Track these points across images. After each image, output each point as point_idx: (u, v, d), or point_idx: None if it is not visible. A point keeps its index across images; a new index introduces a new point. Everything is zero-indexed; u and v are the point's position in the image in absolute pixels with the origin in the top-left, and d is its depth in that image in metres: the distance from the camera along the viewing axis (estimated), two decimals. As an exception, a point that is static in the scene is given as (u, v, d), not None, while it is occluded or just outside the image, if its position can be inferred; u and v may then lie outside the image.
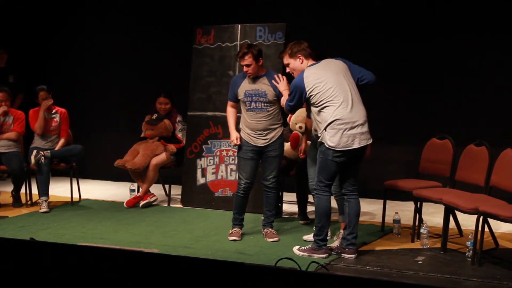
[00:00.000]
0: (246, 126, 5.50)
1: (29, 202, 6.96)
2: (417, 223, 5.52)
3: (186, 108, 7.12)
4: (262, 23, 6.76)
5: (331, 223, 5.12)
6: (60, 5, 8.95)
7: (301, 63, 4.99)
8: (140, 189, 7.02)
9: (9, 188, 7.20)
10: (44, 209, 6.59)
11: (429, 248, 5.23)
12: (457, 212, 5.29)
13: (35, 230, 5.85)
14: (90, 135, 8.56)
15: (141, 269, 2.37)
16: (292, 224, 6.14)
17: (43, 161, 6.61)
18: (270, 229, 5.57)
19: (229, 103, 5.64)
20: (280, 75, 5.39)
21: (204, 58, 7.00)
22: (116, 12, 8.75)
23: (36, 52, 8.99)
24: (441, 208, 5.26)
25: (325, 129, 4.75)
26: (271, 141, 5.47)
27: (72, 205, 7.01)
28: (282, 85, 5.30)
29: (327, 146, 4.75)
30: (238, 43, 6.77)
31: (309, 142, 5.58)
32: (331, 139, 4.72)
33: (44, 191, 6.66)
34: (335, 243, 5.18)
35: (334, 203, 5.24)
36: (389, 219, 5.82)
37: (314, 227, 5.02)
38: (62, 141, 7.01)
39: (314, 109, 4.83)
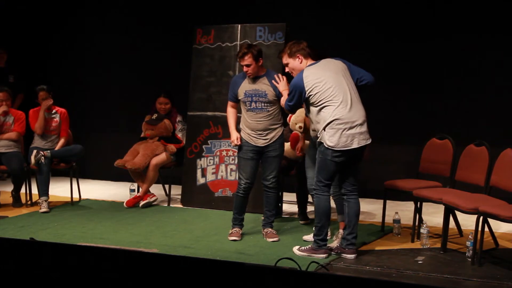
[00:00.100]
0: (246, 126, 5.50)
1: (29, 202, 6.96)
2: (417, 223, 5.52)
3: (186, 108, 7.12)
4: (262, 23, 6.76)
5: (330, 223, 5.12)
6: (60, 5, 8.95)
7: (300, 63, 4.99)
8: (140, 189, 7.02)
9: (9, 188, 7.20)
10: (44, 209, 6.59)
11: (429, 248, 5.23)
12: (457, 212, 5.29)
13: (35, 230, 5.85)
14: (90, 135, 8.56)
15: (141, 269, 2.37)
16: (292, 224, 6.14)
17: (43, 161, 6.61)
18: (270, 229, 5.57)
19: (229, 103, 5.64)
20: (280, 75, 5.39)
21: (204, 58, 7.00)
22: (116, 12, 8.75)
23: (36, 52, 9.00)
24: (441, 208, 5.26)
25: (324, 129, 4.75)
26: (271, 141, 5.47)
27: (72, 205, 7.01)
28: (282, 85, 5.30)
29: (326, 146, 4.75)
30: (238, 43, 6.77)
31: (307, 141, 5.58)
32: (330, 139, 4.72)
33: (44, 191, 6.66)
34: (335, 243, 5.18)
35: (333, 203, 5.24)
36: (389, 219, 5.82)
37: (314, 227, 5.02)
38: (62, 141, 7.01)
39: (313, 109, 4.83)
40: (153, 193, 7.06)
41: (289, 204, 6.87)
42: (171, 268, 2.35)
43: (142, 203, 6.92)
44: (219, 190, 6.87)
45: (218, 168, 6.90)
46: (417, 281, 4.46)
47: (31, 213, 6.60)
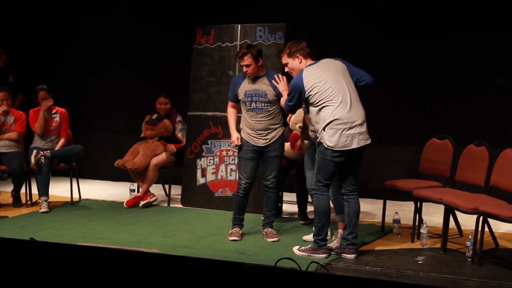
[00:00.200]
0: (246, 126, 5.50)
1: (29, 202, 6.96)
2: (417, 223, 5.52)
3: (186, 108, 7.12)
4: (262, 23, 6.76)
5: (330, 223, 5.12)
6: (60, 5, 8.95)
7: (300, 63, 4.99)
8: (140, 189, 7.02)
9: (9, 188, 7.20)
10: (44, 209, 6.59)
11: (429, 248, 5.23)
12: (457, 212, 5.29)
13: (35, 230, 5.85)
14: (90, 135, 8.56)
15: (141, 269, 2.37)
16: (292, 224, 6.14)
17: (43, 161, 6.61)
18: (270, 229, 5.57)
19: (229, 103, 5.64)
20: (280, 75, 5.39)
21: (204, 58, 7.00)
22: (116, 12, 8.75)
23: (36, 52, 8.99)
24: (441, 208, 5.26)
25: (323, 129, 4.75)
26: (272, 141, 5.47)
27: (72, 205, 7.01)
28: (282, 85, 5.30)
29: (325, 146, 4.75)
30: (238, 43, 6.77)
31: (306, 141, 5.57)
32: (329, 139, 4.72)
33: (44, 191, 6.66)
34: (334, 243, 5.18)
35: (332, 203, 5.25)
36: (389, 219, 5.82)
37: (313, 227, 5.02)
38: (62, 141, 7.01)
39: (312, 109, 4.83)
40: (153, 193, 7.06)
41: (289, 204, 6.87)
42: (171, 268, 2.35)
43: (142, 203, 6.92)
44: (219, 190, 6.87)
45: (218, 168, 6.90)
46: (417, 281, 4.46)
47: (31, 213, 6.60)
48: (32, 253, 2.53)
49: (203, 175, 6.96)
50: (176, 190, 7.30)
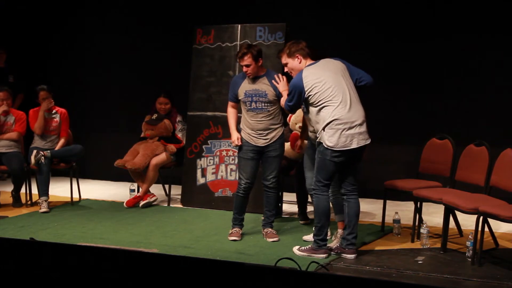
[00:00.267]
0: (246, 126, 5.51)
1: (29, 202, 6.96)
2: (417, 223, 5.52)
3: (186, 108, 7.12)
4: (262, 23, 6.76)
5: (330, 223, 5.12)
6: (60, 5, 8.95)
7: (299, 63, 4.99)
8: (140, 189, 7.02)
9: (9, 188, 7.20)
10: (44, 209, 6.59)
11: (429, 248, 5.23)
12: (457, 212, 5.29)
13: (35, 230, 5.85)
14: (90, 135, 8.56)
15: (141, 269, 2.37)
16: (292, 224, 6.14)
17: (43, 161, 6.61)
18: (270, 229, 5.57)
19: (230, 103, 5.64)
20: (280, 75, 5.39)
21: (204, 58, 7.00)
22: (116, 12, 8.75)
23: (36, 52, 8.99)
24: (441, 208, 5.26)
25: (323, 129, 4.75)
26: (272, 141, 5.47)
27: (72, 205, 7.01)
28: (282, 85, 5.30)
29: (325, 146, 4.75)
30: (238, 43, 6.77)
31: (305, 141, 5.58)
32: (329, 139, 4.72)
33: (44, 191, 6.66)
34: (334, 243, 5.18)
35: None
36: (389, 219, 5.82)
37: (313, 227, 5.02)
38: (62, 141, 7.01)
39: (312, 109, 4.83)
40: (153, 193, 7.06)
41: (289, 204, 6.87)
42: (171, 268, 2.35)
43: (142, 203, 6.92)
44: (219, 190, 6.87)
45: (218, 168, 6.90)
46: (417, 281, 4.46)
47: (31, 213, 6.60)
48: (32, 253, 2.53)
49: (203, 175, 6.96)
50: (176, 190, 7.30)
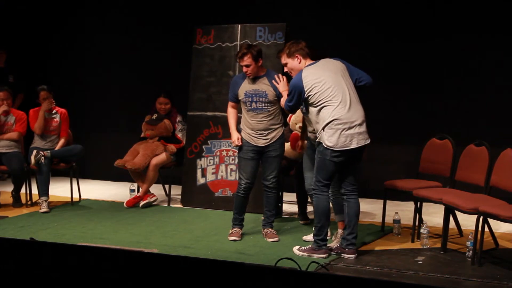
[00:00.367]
0: (246, 126, 5.51)
1: (29, 202, 6.96)
2: (417, 223, 5.52)
3: (186, 108, 7.12)
4: (262, 23, 6.76)
5: (330, 223, 5.12)
6: (60, 5, 8.95)
7: (299, 63, 4.99)
8: (140, 189, 7.02)
9: (9, 188, 7.20)
10: (44, 209, 6.59)
11: (429, 248, 5.23)
12: (457, 212, 5.29)
13: (35, 230, 5.85)
14: (90, 135, 8.56)
15: (141, 269, 2.37)
16: (292, 224, 6.14)
17: (43, 161, 6.61)
18: (270, 229, 5.57)
19: (230, 103, 5.64)
20: (280, 75, 5.39)
21: (204, 58, 7.00)
22: (116, 12, 8.75)
23: (36, 52, 8.99)
24: (441, 208, 5.26)
25: (323, 129, 4.75)
26: (272, 141, 5.47)
27: (72, 205, 7.01)
28: (282, 85, 5.30)
29: (325, 146, 4.75)
30: (238, 43, 6.77)
31: (305, 141, 5.58)
32: (329, 139, 4.72)
33: (44, 191, 6.66)
34: (334, 243, 5.18)
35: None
36: (389, 219, 5.82)
37: (313, 227, 5.02)
38: (62, 141, 7.02)
39: (312, 109, 4.83)
40: (153, 193, 7.06)
41: (289, 204, 6.87)
42: (171, 268, 2.35)
43: (142, 203, 6.92)
44: (219, 190, 6.87)
45: (218, 168, 6.90)
46: (417, 281, 4.46)
47: (31, 213, 6.60)
48: (32, 253, 2.53)
49: (203, 175, 6.96)
50: (176, 190, 7.29)
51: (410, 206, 6.02)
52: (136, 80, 8.55)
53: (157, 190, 7.31)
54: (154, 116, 7.19)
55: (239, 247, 5.29)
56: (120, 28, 8.66)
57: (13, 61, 8.51)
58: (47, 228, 5.94)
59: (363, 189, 5.88)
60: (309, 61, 4.98)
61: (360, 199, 5.05)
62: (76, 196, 7.16)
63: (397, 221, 5.69)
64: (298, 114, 5.72)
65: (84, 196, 7.34)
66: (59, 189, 7.63)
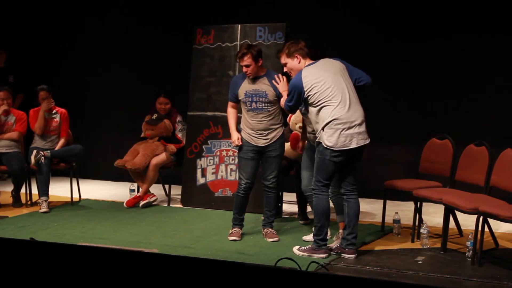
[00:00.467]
0: (246, 126, 5.51)
1: (29, 202, 6.96)
2: (417, 223, 5.52)
3: (186, 108, 7.12)
4: (262, 23, 6.76)
5: (330, 223, 5.12)
6: (60, 5, 8.95)
7: (299, 63, 4.99)
8: (140, 189, 7.02)
9: (9, 188, 7.20)
10: (44, 209, 6.59)
11: (429, 248, 5.23)
12: (457, 212, 5.29)
13: (35, 230, 5.85)
14: (90, 135, 8.56)
15: (141, 269, 2.37)
16: (292, 224, 6.14)
17: (43, 161, 6.61)
18: (270, 229, 5.57)
19: (230, 103, 5.64)
20: (280, 75, 5.39)
21: (204, 58, 7.00)
22: (116, 12, 8.75)
23: (36, 52, 8.99)
24: (441, 208, 5.26)
25: (322, 128, 4.75)
26: (272, 141, 5.47)
27: (72, 205, 7.01)
28: (282, 85, 5.30)
29: (325, 145, 4.75)
30: (238, 43, 6.77)
31: (305, 141, 5.59)
32: (328, 139, 4.72)
33: (44, 191, 6.66)
34: (335, 243, 5.18)
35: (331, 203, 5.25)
36: (389, 219, 5.82)
37: (313, 227, 5.02)
38: (62, 141, 7.02)
39: (312, 109, 4.83)
40: (153, 193, 7.06)
41: (289, 204, 6.87)
42: (171, 268, 2.35)
43: (142, 203, 6.92)
44: (219, 190, 6.87)
45: (218, 168, 6.90)
46: (417, 281, 4.46)
47: (31, 213, 6.60)
48: (32, 253, 2.53)
49: (203, 175, 6.96)
50: (176, 190, 7.29)
51: (410, 206, 6.02)
52: (136, 80, 8.55)
53: (157, 190, 7.31)
54: (154, 116, 7.19)
55: (239, 247, 5.29)
56: (120, 28, 8.66)
57: (13, 61, 8.51)
58: (47, 228, 5.94)
59: (363, 189, 5.87)
60: (308, 61, 4.98)
61: (360, 199, 5.05)
62: (76, 196, 7.16)
63: (397, 221, 5.69)
64: (298, 114, 5.72)
65: (84, 196, 7.34)
66: (59, 189, 7.63)
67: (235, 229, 5.60)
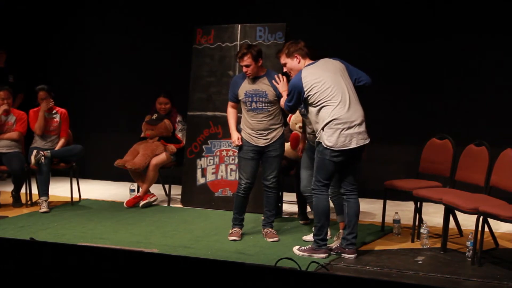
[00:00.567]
0: (246, 126, 5.51)
1: (29, 202, 6.96)
2: (417, 223, 5.52)
3: (186, 108, 7.12)
4: (262, 23, 6.76)
5: (330, 223, 5.12)
6: (60, 5, 8.95)
7: (298, 63, 4.99)
8: (140, 189, 7.02)
9: (9, 188, 7.20)
10: (44, 209, 6.59)
11: (429, 248, 5.23)
12: (457, 212, 5.29)
13: (35, 230, 5.85)
14: (90, 135, 8.56)
15: (141, 269, 2.37)
16: (292, 224, 6.14)
17: (43, 161, 6.61)
18: (270, 229, 5.57)
19: (230, 103, 5.64)
20: (280, 75, 5.39)
21: (204, 58, 7.00)
22: (116, 12, 8.75)
23: (36, 52, 8.99)
24: (441, 208, 5.26)
25: (322, 128, 4.75)
26: (272, 141, 5.47)
27: (72, 205, 7.01)
28: (282, 85, 5.30)
29: (324, 145, 4.75)
30: (238, 43, 6.77)
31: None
32: (328, 138, 4.72)
33: (44, 191, 6.66)
34: (335, 243, 5.18)
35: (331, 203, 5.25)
36: (389, 219, 5.82)
37: (313, 227, 5.02)
38: (62, 141, 7.02)
39: (312, 109, 4.83)
40: (153, 193, 7.06)
41: (289, 204, 6.87)
42: (171, 268, 2.35)
43: (142, 203, 6.92)
44: (219, 190, 6.87)
45: (218, 168, 6.90)
46: (417, 281, 4.46)
47: (31, 213, 6.60)
48: (32, 253, 2.53)
49: (203, 175, 6.96)
50: (176, 190, 7.30)
51: (410, 206, 6.02)
52: (136, 80, 8.56)
53: (157, 190, 7.31)
54: (154, 116, 7.19)
55: (239, 247, 5.29)
56: (120, 28, 8.66)
57: (13, 61, 8.51)
58: (47, 228, 5.94)
59: (363, 189, 5.88)
60: (308, 61, 4.98)
61: (360, 199, 5.05)
62: (76, 196, 7.16)
63: (397, 221, 5.69)
64: (298, 114, 5.72)
65: (84, 196, 7.34)
66: (59, 189, 7.63)
67: (235, 229, 5.60)
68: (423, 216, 5.78)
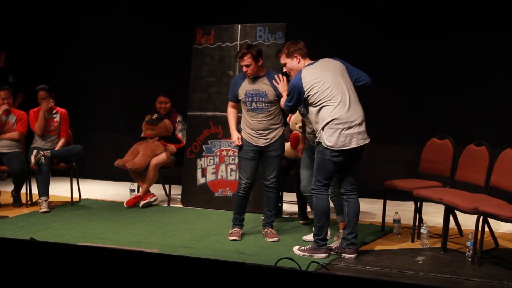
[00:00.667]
0: (247, 126, 5.51)
1: (29, 202, 6.96)
2: (417, 223, 5.52)
3: (186, 108, 7.12)
4: (262, 23, 6.76)
5: (330, 222, 5.12)
6: (60, 5, 8.96)
7: (298, 63, 4.99)
8: (140, 189, 7.02)
9: (9, 188, 7.20)
10: (44, 209, 6.59)
11: (429, 248, 5.23)
12: (457, 212, 5.29)
13: (35, 230, 5.85)
14: (90, 135, 8.56)
15: (141, 269, 2.37)
16: (292, 224, 6.14)
17: (43, 161, 6.61)
18: (270, 229, 5.57)
19: (230, 103, 5.64)
20: (280, 75, 5.39)
21: (204, 58, 7.00)
22: (116, 12, 8.75)
23: (36, 52, 9.00)
24: (441, 208, 5.26)
25: (322, 128, 4.75)
26: (272, 141, 5.47)
27: (72, 205, 7.01)
28: (282, 85, 5.30)
29: (324, 145, 4.75)
30: (238, 43, 6.77)
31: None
32: (328, 138, 4.72)
33: (44, 191, 6.66)
34: (335, 243, 5.18)
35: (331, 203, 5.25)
36: (389, 219, 5.82)
37: (313, 227, 5.02)
38: (62, 141, 7.02)
39: (312, 109, 4.83)
40: (153, 193, 7.06)
41: (289, 204, 6.87)
42: (171, 268, 2.35)
43: (142, 203, 6.92)
44: (219, 190, 6.87)
45: (218, 168, 6.90)
46: (417, 281, 4.46)
47: (31, 213, 6.60)
48: (32, 253, 2.53)
49: (203, 175, 6.96)
50: (176, 190, 7.30)
51: (410, 206, 6.02)
52: (136, 80, 8.56)
53: (157, 190, 7.31)
54: (154, 116, 7.19)
55: (239, 247, 5.29)
56: (120, 28, 8.66)
57: (13, 61, 8.52)
58: (47, 228, 5.94)
59: (363, 189, 5.88)
60: (308, 61, 4.98)
61: (360, 199, 5.05)
62: (76, 196, 7.16)
63: (397, 221, 5.69)
64: (298, 114, 5.72)
65: (84, 196, 7.34)
66: (59, 189, 7.63)
67: (235, 229, 5.60)
68: (423, 216, 5.78)
